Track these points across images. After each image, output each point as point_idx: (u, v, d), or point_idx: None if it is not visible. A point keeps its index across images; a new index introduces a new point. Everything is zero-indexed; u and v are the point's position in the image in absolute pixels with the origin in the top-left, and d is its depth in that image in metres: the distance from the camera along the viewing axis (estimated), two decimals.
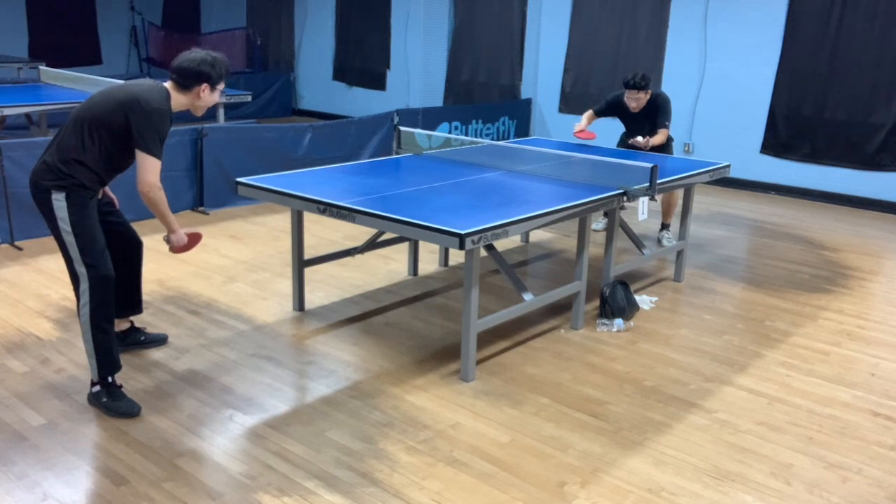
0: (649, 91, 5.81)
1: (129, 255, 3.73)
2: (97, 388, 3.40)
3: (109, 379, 3.40)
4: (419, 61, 11.37)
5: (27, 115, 8.39)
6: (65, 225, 3.29)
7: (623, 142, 6.22)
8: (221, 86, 3.48)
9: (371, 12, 11.81)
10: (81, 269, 3.33)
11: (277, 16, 13.17)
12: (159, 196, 3.30)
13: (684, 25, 8.80)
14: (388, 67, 11.81)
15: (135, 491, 2.82)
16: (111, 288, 3.36)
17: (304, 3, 12.78)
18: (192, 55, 3.39)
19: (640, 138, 5.77)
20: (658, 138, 5.81)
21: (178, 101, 3.39)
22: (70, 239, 3.30)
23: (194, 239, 3.60)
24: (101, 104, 3.28)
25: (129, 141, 3.26)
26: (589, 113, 6.14)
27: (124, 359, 3.87)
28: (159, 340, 4.04)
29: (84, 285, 3.33)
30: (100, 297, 3.33)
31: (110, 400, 3.38)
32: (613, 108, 6.08)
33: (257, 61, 13.32)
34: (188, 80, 3.36)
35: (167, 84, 3.38)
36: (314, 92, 12.89)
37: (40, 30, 12.54)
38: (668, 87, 9.00)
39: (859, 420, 3.55)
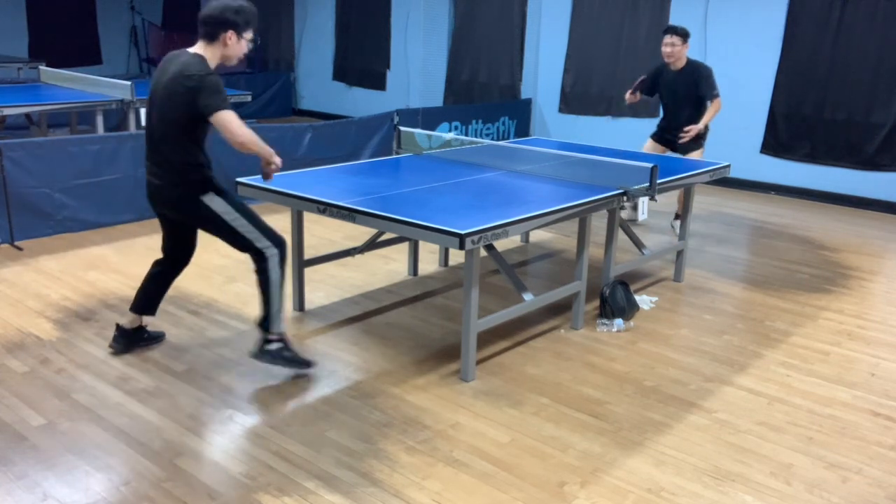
0: (686, 44, 5.83)
1: (178, 266, 3.88)
2: (278, 343, 3.64)
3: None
4: (419, 61, 11.37)
5: (27, 115, 8.38)
6: (229, 214, 3.49)
7: (660, 135, 6.17)
8: (249, 34, 3.46)
9: (371, 12, 11.81)
10: (264, 244, 3.54)
11: (277, 16, 13.16)
12: (255, 141, 3.34)
13: (684, 25, 8.78)
14: (388, 67, 11.81)
15: (135, 491, 2.82)
16: (286, 247, 3.63)
17: (304, 3, 12.78)
18: (216, 3, 3.38)
19: (691, 128, 5.74)
20: (709, 114, 5.81)
21: (211, 56, 3.40)
22: (241, 222, 3.51)
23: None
24: (164, 112, 3.37)
25: (196, 118, 3.33)
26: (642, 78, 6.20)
27: (125, 359, 3.87)
28: (158, 338, 4.07)
29: (273, 256, 3.55)
30: (284, 258, 3.60)
31: (290, 351, 3.68)
32: (654, 79, 6.10)
33: (257, 61, 13.32)
34: (213, 27, 3.37)
35: (197, 47, 3.40)
36: (314, 92, 12.88)
37: (40, 30, 12.53)
38: None
39: (859, 420, 3.55)
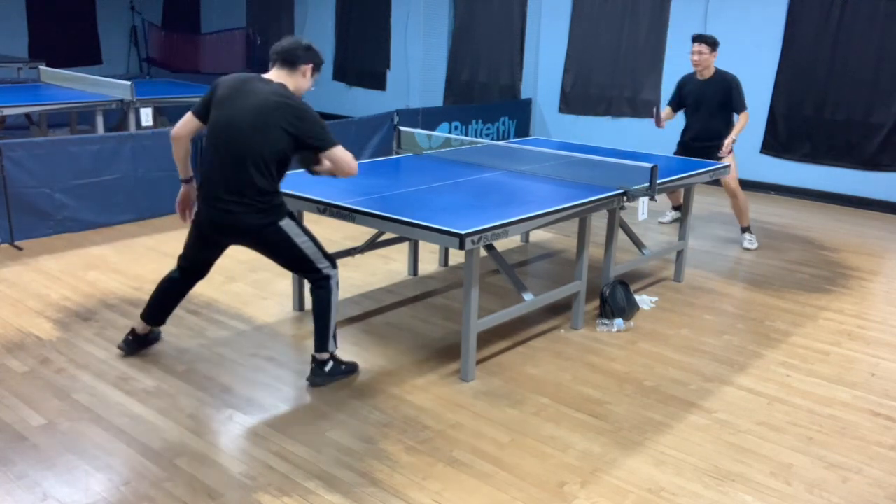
0: (715, 53, 5.80)
1: (196, 280, 3.86)
2: (330, 363, 3.67)
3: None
4: (419, 61, 11.36)
5: (27, 115, 8.39)
6: (301, 239, 3.54)
7: (687, 145, 6.11)
8: (317, 75, 3.58)
9: (371, 12, 11.81)
10: (325, 265, 3.60)
11: (277, 16, 13.16)
12: (356, 170, 3.52)
13: (684, 25, 8.79)
14: (388, 67, 11.81)
15: (135, 491, 2.82)
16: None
17: (304, 3, 12.78)
18: (293, 40, 3.51)
19: (725, 144, 5.75)
20: (739, 126, 5.84)
21: (290, 84, 3.45)
22: (309, 246, 3.56)
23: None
24: (255, 141, 3.34)
25: (297, 149, 3.44)
26: (667, 110, 6.21)
27: (125, 359, 3.87)
28: (158, 337, 4.08)
29: (333, 277, 3.61)
30: (338, 278, 3.66)
31: (343, 365, 3.73)
32: (680, 90, 6.09)
33: (257, 61, 13.31)
34: (294, 56, 3.45)
35: (273, 75, 3.45)
36: (314, 92, 12.79)
37: (40, 30, 12.53)
38: (668, 86, 8.99)
39: (859, 420, 3.55)
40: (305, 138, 3.38)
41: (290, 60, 3.45)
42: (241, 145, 3.36)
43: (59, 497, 2.78)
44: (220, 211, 3.46)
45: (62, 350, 3.94)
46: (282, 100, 3.35)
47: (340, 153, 3.44)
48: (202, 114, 3.52)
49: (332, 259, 3.63)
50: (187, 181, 3.73)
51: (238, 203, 3.40)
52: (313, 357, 3.67)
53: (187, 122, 3.55)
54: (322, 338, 3.62)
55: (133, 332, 3.93)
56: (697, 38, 5.82)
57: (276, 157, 3.39)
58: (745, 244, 6.21)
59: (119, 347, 3.91)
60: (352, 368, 3.79)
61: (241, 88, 3.42)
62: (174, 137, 3.59)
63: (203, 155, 3.67)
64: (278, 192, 3.49)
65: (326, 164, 3.49)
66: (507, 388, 3.72)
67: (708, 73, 5.94)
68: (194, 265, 3.79)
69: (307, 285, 4.65)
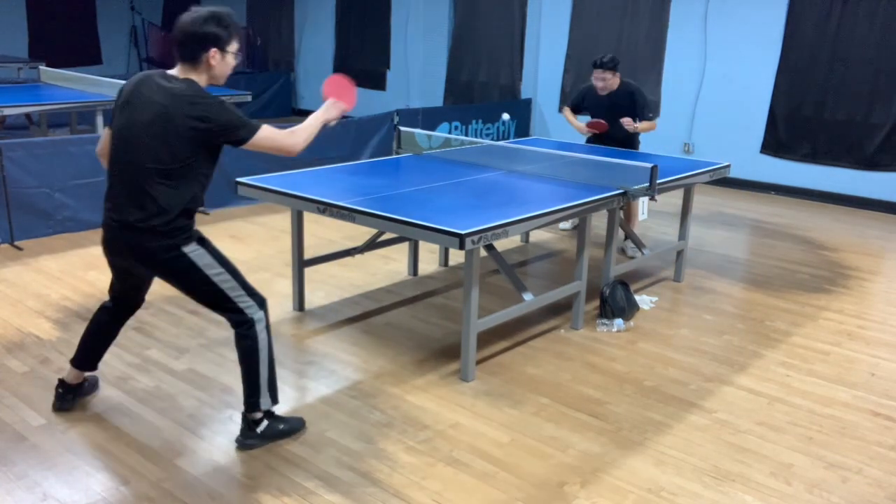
0: (618, 74, 5.78)
1: (130, 311, 3.36)
2: (264, 422, 3.13)
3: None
4: (419, 61, 11.36)
5: (27, 115, 8.39)
6: (215, 269, 2.96)
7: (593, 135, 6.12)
8: (234, 45, 2.92)
9: (371, 12, 11.81)
10: (248, 304, 3.02)
11: (277, 16, 13.17)
12: (304, 140, 3.00)
13: (684, 25, 8.80)
14: (388, 67, 11.81)
15: (135, 491, 2.82)
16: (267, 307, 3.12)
17: (304, 3, 12.78)
18: (187, 16, 2.85)
19: (629, 119, 5.75)
20: (646, 125, 5.84)
21: (198, 80, 2.88)
22: (225, 279, 2.98)
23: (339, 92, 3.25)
24: (157, 147, 2.81)
25: (214, 150, 2.91)
26: (567, 109, 6.19)
27: (125, 359, 3.87)
28: (95, 385, 3.57)
29: (260, 320, 3.04)
30: (268, 320, 3.10)
31: (281, 425, 3.18)
32: (584, 98, 6.06)
33: (257, 61, 13.32)
34: (192, 48, 2.84)
35: (178, 71, 2.89)
36: (314, 92, 12.86)
37: (40, 30, 12.53)
38: (668, 86, 9.01)
39: (859, 420, 3.55)
40: (219, 136, 2.84)
41: (187, 55, 2.85)
42: (139, 154, 2.84)
43: (59, 497, 2.78)
44: (117, 231, 2.93)
45: (62, 350, 3.94)
46: (183, 99, 2.79)
47: (268, 135, 2.91)
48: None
49: (258, 297, 3.06)
50: None
51: (136, 222, 2.85)
52: (243, 415, 3.13)
53: (105, 137, 3.08)
54: (252, 393, 3.06)
55: (63, 383, 3.37)
56: (599, 66, 5.69)
57: (179, 167, 2.82)
58: (629, 251, 5.87)
59: (54, 408, 3.36)
60: (295, 426, 3.23)
61: (138, 90, 2.89)
62: (100, 155, 3.13)
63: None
64: (186, 212, 2.89)
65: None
66: (507, 388, 3.72)
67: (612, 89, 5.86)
68: (122, 293, 3.27)
69: (307, 285, 4.64)
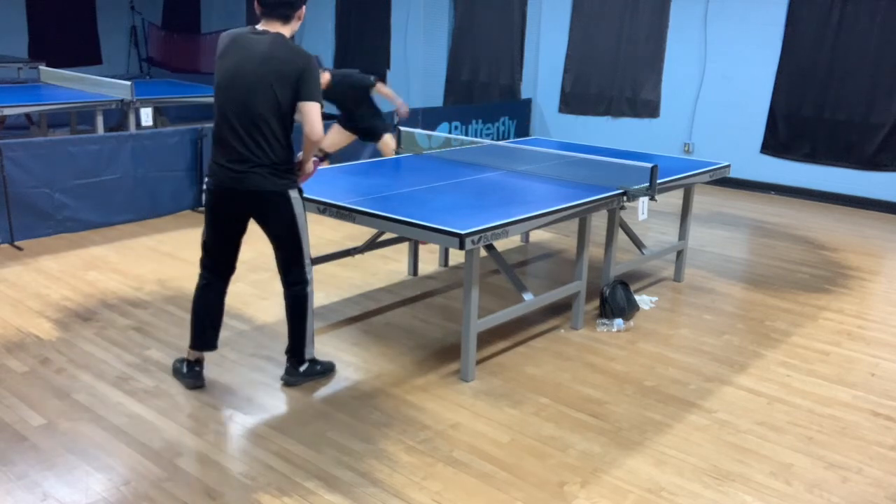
0: (327, 71, 5.96)
1: (228, 277, 3.60)
2: (306, 363, 3.60)
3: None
4: (419, 61, 11.36)
5: (27, 115, 8.39)
6: (302, 220, 3.33)
7: (345, 126, 6.39)
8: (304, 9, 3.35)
9: (371, 12, 11.81)
10: (309, 265, 3.45)
11: None
12: (322, 132, 3.30)
13: (684, 25, 8.80)
14: (388, 67, 11.80)
15: (135, 491, 2.82)
16: None
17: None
18: None
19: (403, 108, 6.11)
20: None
21: (289, 32, 3.27)
22: (305, 234, 3.36)
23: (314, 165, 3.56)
24: (268, 95, 3.16)
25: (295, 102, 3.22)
26: (336, 126, 6.45)
27: (125, 359, 3.87)
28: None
29: (312, 280, 3.48)
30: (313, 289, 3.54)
31: (318, 366, 3.66)
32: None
33: None
34: (289, 6, 3.22)
35: (270, 26, 3.22)
36: None
37: (40, 30, 12.52)
38: (668, 87, 9.02)
39: (859, 420, 3.55)
40: (302, 85, 3.19)
41: (285, 14, 3.22)
42: (253, 99, 3.18)
43: (59, 497, 2.78)
44: (235, 179, 3.25)
45: (62, 350, 3.94)
46: (286, 48, 3.19)
47: (316, 111, 3.22)
48: None
49: (310, 261, 3.52)
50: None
51: (252, 162, 3.20)
52: (288, 359, 3.60)
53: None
54: (299, 343, 3.55)
55: (199, 363, 3.63)
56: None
57: (287, 110, 3.21)
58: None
59: (190, 386, 3.56)
60: (328, 368, 3.73)
61: (240, 43, 3.23)
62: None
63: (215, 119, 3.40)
64: (293, 152, 3.28)
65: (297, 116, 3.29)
66: (507, 388, 3.72)
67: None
68: (220, 257, 3.50)
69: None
